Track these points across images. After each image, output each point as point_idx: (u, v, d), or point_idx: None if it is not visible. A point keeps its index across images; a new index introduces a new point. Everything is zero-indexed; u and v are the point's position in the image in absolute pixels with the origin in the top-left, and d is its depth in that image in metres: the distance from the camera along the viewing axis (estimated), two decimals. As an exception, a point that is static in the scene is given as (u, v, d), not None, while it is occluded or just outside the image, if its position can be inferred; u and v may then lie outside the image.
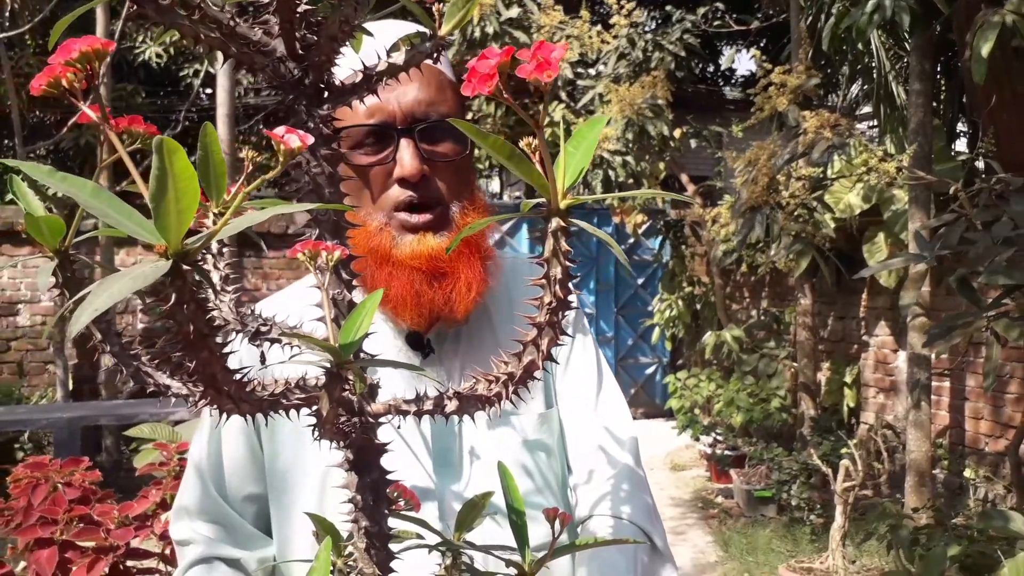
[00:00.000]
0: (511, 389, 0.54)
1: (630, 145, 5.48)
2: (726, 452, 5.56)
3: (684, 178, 6.35)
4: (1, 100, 7.18)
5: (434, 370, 0.93)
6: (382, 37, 0.76)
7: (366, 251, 0.87)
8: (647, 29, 6.52)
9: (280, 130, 0.42)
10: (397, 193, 0.87)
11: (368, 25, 0.60)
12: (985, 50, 3.68)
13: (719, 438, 5.73)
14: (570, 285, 0.50)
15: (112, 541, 1.97)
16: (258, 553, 0.95)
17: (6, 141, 8.76)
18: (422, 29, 0.61)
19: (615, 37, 5.98)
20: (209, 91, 8.54)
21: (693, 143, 6.49)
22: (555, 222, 0.49)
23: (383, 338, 0.92)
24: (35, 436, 5.20)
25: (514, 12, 5.88)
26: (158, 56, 7.98)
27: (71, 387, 6.14)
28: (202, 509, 0.95)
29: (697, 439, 5.93)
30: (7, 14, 5.98)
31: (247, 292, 6.85)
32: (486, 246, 0.93)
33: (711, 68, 12.66)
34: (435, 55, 0.59)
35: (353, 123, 0.86)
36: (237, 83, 6.29)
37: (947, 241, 3.03)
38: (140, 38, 8.04)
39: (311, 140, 0.42)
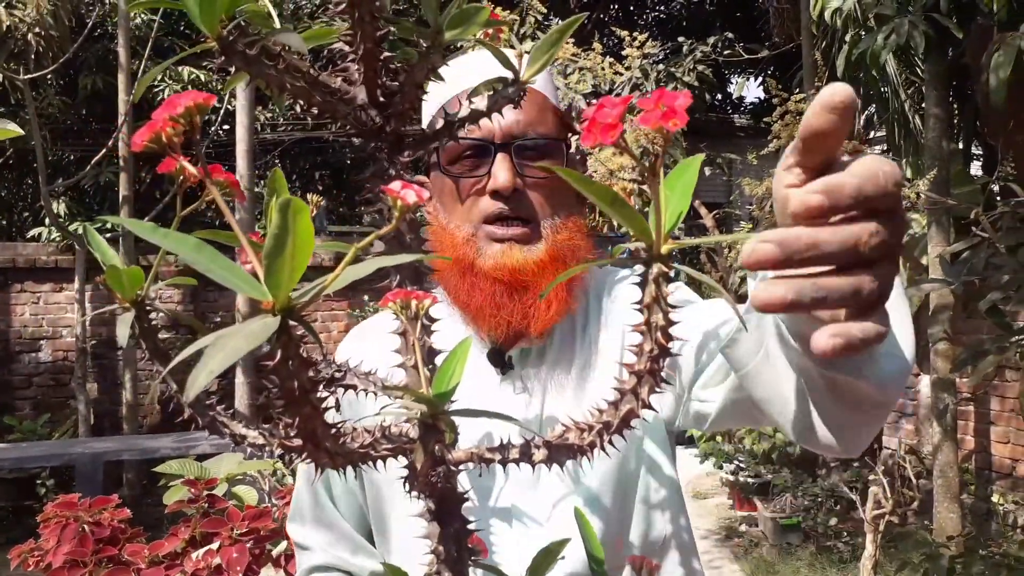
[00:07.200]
0: (606, 439, 0.53)
1: (645, 174, 5.47)
2: (749, 479, 5.48)
3: (698, 205, 6.34)
4: (24, 139, 7.25)
5: (513, 387, 0.92)
6: (467, 75, 0.76)
7: (452, 260, 0.88)
8: (659, 59, 6.56)
9: (396, 185, 0.41)
10: (488, 205, 0.88)
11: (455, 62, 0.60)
12: (1004, 73, 3.68)
13: (742, 465, 5.66)
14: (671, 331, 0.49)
15: (142, 581, 1.95)
16: (371, 564, 0.97)
17: (28, 180, 8.85)
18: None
19: (628, 68, 6.01)
20: (227, 127, 8.62)
21: (707, 170, 6.49)
22: (657, 268, 0.48)
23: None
24: (56, 471, 5.19)
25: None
26: (176, 93, 8.08)
27: (92, 422, 6.13)
28: (316, 517, 0.97)
29: (720, 467, 5.86)
30: (32, 56, 6.07)
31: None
32: (574, 264, 0.89)
33: (719, 96, 12.71)
34: (518, 100, 0.59)
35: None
36: (255, 119, 6.36)
37: (974, 267, 3.00)
38: (159, 77, 8.14)
39: (427, 195, 0.41)
